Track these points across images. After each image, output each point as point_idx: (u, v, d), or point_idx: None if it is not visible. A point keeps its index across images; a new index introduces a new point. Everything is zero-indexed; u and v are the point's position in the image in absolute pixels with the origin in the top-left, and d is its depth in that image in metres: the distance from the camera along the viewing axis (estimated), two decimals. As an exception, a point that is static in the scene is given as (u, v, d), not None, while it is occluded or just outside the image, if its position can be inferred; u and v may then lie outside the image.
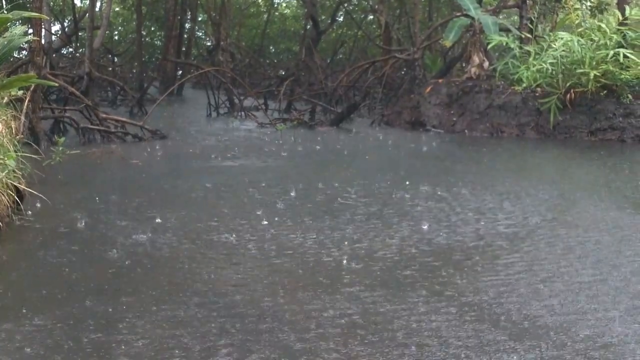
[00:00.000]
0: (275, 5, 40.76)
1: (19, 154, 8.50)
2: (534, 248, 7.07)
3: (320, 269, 6.35)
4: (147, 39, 37.43)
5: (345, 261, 6.57)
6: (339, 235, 7.56)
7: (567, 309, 5.33)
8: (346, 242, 7.24)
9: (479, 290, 5.73)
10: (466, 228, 7.88)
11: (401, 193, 9.79)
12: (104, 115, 16.39)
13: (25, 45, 16.51)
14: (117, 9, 36.64)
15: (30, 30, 13.71)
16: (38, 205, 8.31)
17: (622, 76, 16.37)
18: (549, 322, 5.05)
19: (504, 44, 18.83)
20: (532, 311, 5.26)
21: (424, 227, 7.87)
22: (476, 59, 19.05)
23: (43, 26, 15.64)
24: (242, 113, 22.13)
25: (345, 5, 34.49)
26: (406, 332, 4.87)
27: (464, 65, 22.02)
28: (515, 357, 4.48)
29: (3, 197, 7.59)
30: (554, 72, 17.11)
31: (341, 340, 4.73)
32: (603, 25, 17.73)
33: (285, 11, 42.33)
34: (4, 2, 17.28)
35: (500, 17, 22.64)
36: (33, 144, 10.96)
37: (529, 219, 8.35)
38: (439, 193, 9.82)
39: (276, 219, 8.25)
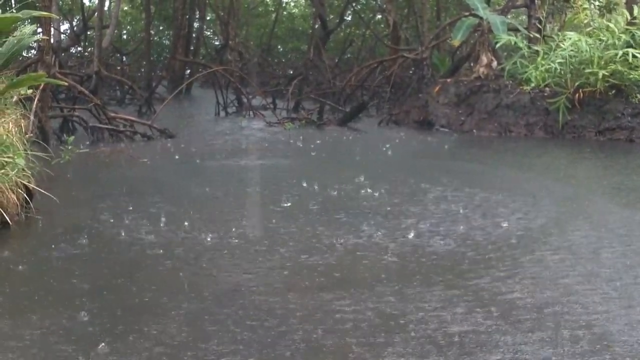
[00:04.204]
0: (284, 5, 40.73)
1: (29, 152, 8.54)
2: (548, 248, 7.08)
3: (336, 268, 6.37)
4: (155, 38, 37.45)
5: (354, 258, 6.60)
6: (354, 233, 7.58)
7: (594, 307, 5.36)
8: (366, 240, 7.27)
9: (499, 289, 5.75)
10: (478, 228, 7.89)
11: (413, 193, 9.79)
12: (113, 114, 16.43)
13: (35, 45, 16.57)
14: (125, 8, 36.65)
15: (40, 30, 13.73)
16: (47, 203, 8.33)
17: (631, 76, 16.30)
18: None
19: (513, 43, 18.78)
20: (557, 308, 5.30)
21: (439, 227, 7.89)
22: (484, 59, 19.00)
23: (52, 25, 15.69)
24: (251, 112, 22.11)
25: (354, 4, 34.45)
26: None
27: (472, 64, 21.96)
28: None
29: (13, 196, 7.63)
30: (562, 72, 17.06)
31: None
32: (611, 25, 17.67)
33: (294, 10, 42.27)
34: (13, 2, 17.33)
35: (509, 16, 22.56)
36: (42, 143, 11.00)
37: (542, 218, 8.35)
38: (450, 192, 9.82)
39: (286, 217, 8.28)
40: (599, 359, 4.47)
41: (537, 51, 18.13)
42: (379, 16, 35.82)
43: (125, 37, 39.23)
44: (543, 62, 17.49)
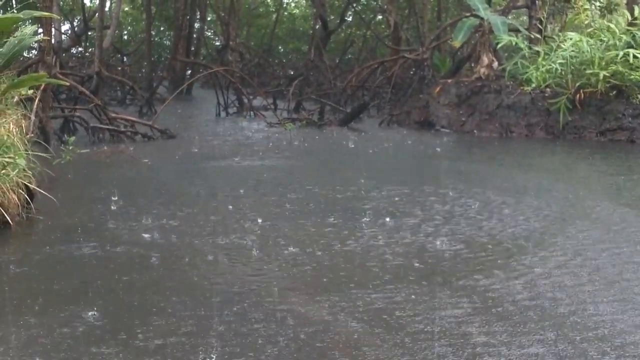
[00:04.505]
0: (284, 5, 40.77)
1: (29, 153, 8.53)
2: (551, 248, 7.07)
3: (340, 269, 6.37)
4: (156, 39, 37.48)
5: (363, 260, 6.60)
6: (357, 234, 7.57)
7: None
8: (368, 241, 7.27)
9: (503, 290, 5.75)
10: (481, 228, 7.88)
11: (414, 194, 9.77)
12: (114, 115, 16.42)
13: (35, 45, 16.59)
14: (126, 8, 36.69)
15: (40, 30, 13.74)
16: (48, 204, 8.32)
17: (632, 76, 16.31)
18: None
19: (513, 44, 18.80)
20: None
21: (442, 228, 7.88)
22: (485, 59, 19.01)
23: (53, 26, 15.69)
24: (251, 113, 22.12)
25: (354, 5, 34.47)
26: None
27: (473, 65, 21.98)
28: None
29: (14, 196, 7.62)
30: (563, 73, 17.07)
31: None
32: (612, 26, 17.69)
33: (294, 11, 42.33)
34: (14, 2, 17.33)
35: (510, 17, 22.57)
36: (43, 143, 10.99)
37: (544, 218, 8.35)
38: (452, 193, 9.79)
39: (288, 218, 8.28)
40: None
41: (538, 52, 18.14)
42: (380, 17, 35.86)
43: (126, 37, 39.29)
44: (544, 63, 17.51)
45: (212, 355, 4.50)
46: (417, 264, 6.51)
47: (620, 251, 6.97)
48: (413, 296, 5.59)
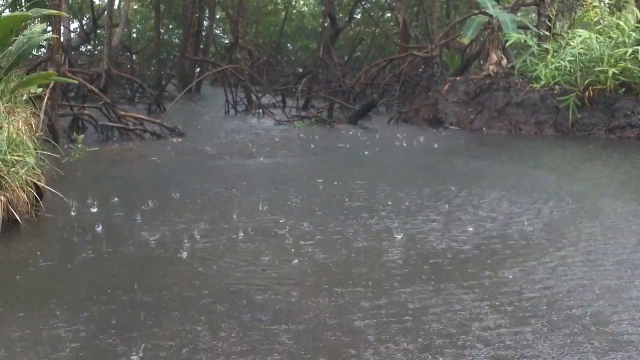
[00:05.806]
0: (293, 3, 40.76)
1: (38, 151, 8.57)
2: (562, 246, 7.05)
3: (351, 266, 6.37)
4: (165, 37, 37.54)
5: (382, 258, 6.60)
6: (366, 231, 7.58)
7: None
8: (375, 238, 7.27)
9: (515, 288, 5.74)
10: (491, 226, 7.87)
11: (424, 191, 9.76)
12: (123, 113, 16.46)
13: (45, 43, 16.63)
14: (135, 6, 36.76)
15: (50, 28, 13.78)
16: (57, 202, 8.35)
17: (641, 74, 16.29)
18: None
19: (522, 41, 18.76)
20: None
21: (452, 225, 7.87)
22: (494, 57, 18.98)
23: (62, 24, 15.74)
24: (260, 110, 22.15)
25: (363, 2, 34.45)
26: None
27: (482, 62, 21.95)
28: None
29: (23, 194, 7.66)
30: (572, 70, 17.04)
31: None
32: (621, 23, 17.62)
33: (303, 9, 42.32)
34: (23, 0, 17.40)
35: (519, 14, 22.52)
36: (52, 142, 11.03)
37: (554, 216, 8.33)
38: (462, 190, 9.77)
39: (298, 216, 8.28)
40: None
41: (547, 49, 18.10)
42: (389, 14, 35.82)
43: (135, 35, 39.34)
44: (553, 60, 17.46)
45: (221, 349, 4.52)
46: (428, 261, 6.49)
47: (631, 249, 6.93)
48: (428, 293, 5.58)
